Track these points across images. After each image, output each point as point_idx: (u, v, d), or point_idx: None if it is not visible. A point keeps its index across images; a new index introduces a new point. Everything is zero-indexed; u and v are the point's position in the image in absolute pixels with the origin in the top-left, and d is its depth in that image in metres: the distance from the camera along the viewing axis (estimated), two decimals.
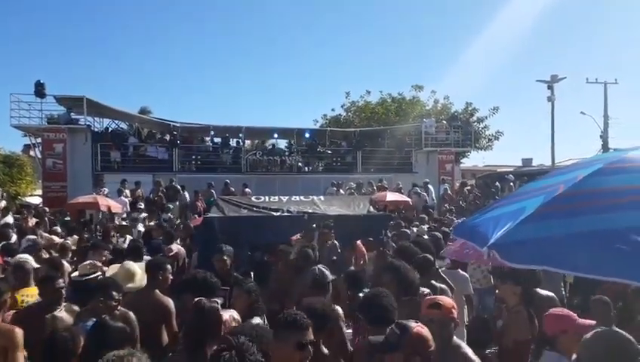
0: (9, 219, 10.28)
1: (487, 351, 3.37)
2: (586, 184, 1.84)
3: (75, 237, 8.25)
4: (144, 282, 4.45)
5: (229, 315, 3.40)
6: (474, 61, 51.89)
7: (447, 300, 3.11)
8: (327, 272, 4.40)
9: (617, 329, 2.19)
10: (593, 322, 2.90)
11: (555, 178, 2.08)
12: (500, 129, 28.95)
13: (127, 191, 14.42)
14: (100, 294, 3.60)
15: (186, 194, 15.25)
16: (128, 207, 13.35)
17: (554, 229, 1.70)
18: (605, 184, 1.81)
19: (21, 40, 71.84)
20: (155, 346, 3.68)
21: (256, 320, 3.52)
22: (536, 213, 1.77)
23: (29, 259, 5.37)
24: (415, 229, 8.68)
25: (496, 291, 4.17)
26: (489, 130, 28.77)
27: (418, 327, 2.46)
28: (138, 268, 4.80)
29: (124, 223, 10.56)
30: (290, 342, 2.43)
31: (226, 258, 5.08)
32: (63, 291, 3.97)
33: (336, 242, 6.72)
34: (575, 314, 3.05)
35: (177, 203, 14.76)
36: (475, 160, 35.05)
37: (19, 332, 3.26)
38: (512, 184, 16.92)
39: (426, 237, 7.76)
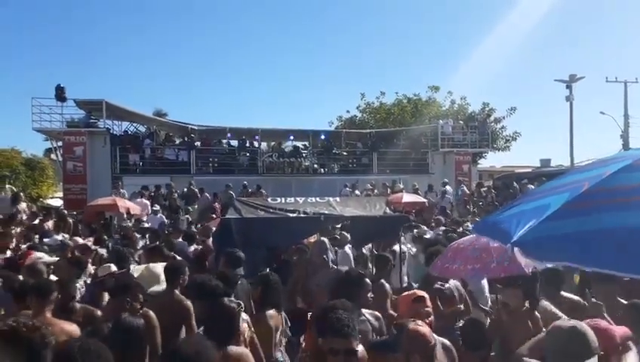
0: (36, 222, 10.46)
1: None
2: (613, 180, 1.79)
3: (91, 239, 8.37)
4: None
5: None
6: (491, 61, 51.44)
7: (424, 293, 3.25)
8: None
9: (577, 322, 2.14)
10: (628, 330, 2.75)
11: (580, 175, 2.04)
12: (518, 129, 28.77)
13: (146, 195, 14.54)
14: (126, 294, 3.62)
15: (207, 196, 15.36)
16: (149, 208, 13.45)
17: (579, 226, 1.66)
18: (634, 181, 1.77)
19: (42, 45, 73.39)
20: None
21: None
22: (562, 209, 1.73)
23: (44, 257, 5.51)
24: (415, 231, 8.57)
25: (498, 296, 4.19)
26: (506, 131, 28.53)
27: (414, 324, 2.44)
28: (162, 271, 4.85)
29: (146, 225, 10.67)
30: (325, 345, 2.43)
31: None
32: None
33: (324, 239, 6.49)
34: (607, 323, 2.75)
35: (196, 205, 14.87)
36: (492, 160, 34.87)
37: (76, 329, 3.31)
38: (530, 186, 16.68)
39: (427, 236, 7.69)
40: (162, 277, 4.66)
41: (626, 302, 3.76)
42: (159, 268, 4.87)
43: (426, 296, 3.16)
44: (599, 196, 1.74)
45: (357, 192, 15.64)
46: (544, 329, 3.58)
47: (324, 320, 2.51)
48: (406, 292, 3.36)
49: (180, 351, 2.31)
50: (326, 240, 6.41)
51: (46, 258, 5.55)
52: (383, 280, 5.10)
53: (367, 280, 3.88)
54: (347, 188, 16.04)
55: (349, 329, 2.42)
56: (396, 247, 7.08)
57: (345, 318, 2.48)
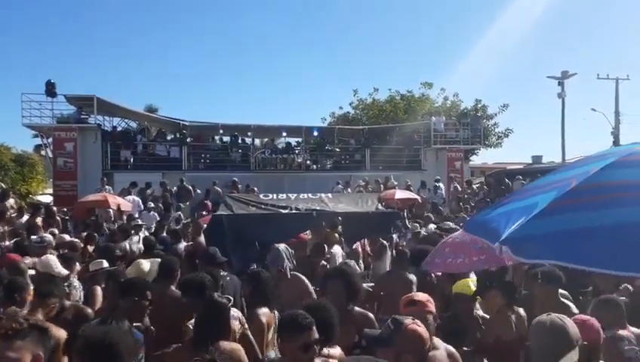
0: (24, 219, 10.32)
1: (464, 348, 3.31)
2: (599, 177, 1.80)
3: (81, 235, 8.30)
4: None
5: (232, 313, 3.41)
6: (484, 58, 51.49)
7: (421, 295, 3.13)
8: None
9: (556, 315, 2.14)
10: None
11: (568, 172, 2.04)
12: (510, 126, 28.76)
13: (134, 193, 14.41)
14: (134, 294, 3.51)
15: (199, 192, 15.24)
16: (141, 205, 13.33)
17: (567, 224, 1.66)
18: (619, 177, 1.77)
19: (32, 41, 72.67)
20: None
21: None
22: (549, 207, 1.73)
23: (51, 261, 5.38)
24: (410, 227, 8.58)
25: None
26: (499, 128, 28.57)
27: (413, 324, 2.39)
28: (149, 266, 4.81)
29: (140, 222, 10.55)
30: (294, 344, 2.42)
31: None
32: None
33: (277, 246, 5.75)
34: (586, 316, 2.72)
35: (188, 203, 14.75)
36: (484, 157, 34.99)
37: (64, 333, 3.27)
38: (523, 182, 16.74)
39: (423, 232, 7.67)
40: (148, 272, 4.64)
41: (566, 302, 3.81)
42: (146, 264, 4.84)
43: (424, 298, 3.05)
44: (586, 193, 1.74)
45: (349, 190, 15.60)
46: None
47: (282, 324, 2.58)
48: (407, 295, 3.33)
49: (87, 333, 2.28)
50: (281, 246, 5.46)
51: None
52: (405, 272, 5.13)
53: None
54: (339, 186, 16.00)
55: (307, 320, 2.46)
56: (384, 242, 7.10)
57: (300, 313, 2.53)
